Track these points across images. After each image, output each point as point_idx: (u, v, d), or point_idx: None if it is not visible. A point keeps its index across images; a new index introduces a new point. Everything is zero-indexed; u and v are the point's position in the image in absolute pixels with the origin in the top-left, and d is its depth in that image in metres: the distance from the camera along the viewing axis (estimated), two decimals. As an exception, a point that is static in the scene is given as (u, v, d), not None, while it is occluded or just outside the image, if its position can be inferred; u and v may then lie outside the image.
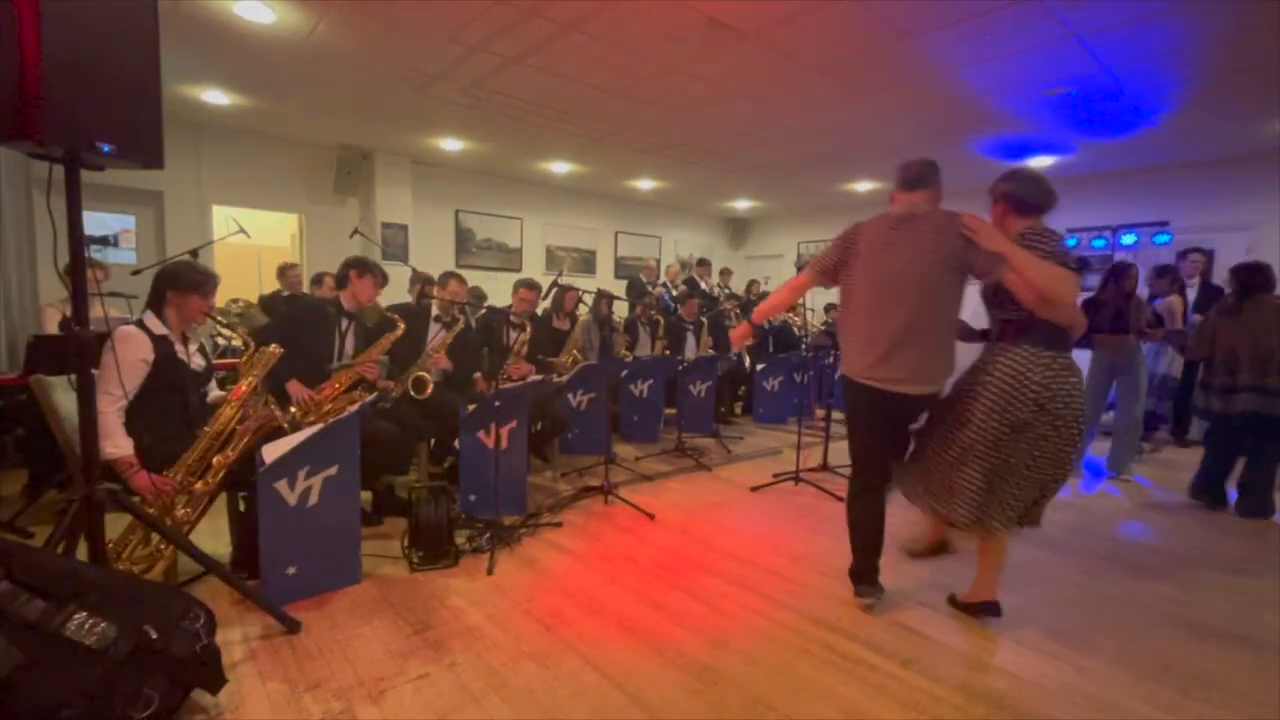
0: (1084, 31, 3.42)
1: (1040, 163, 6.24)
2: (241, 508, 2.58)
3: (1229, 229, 5.96)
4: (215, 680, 1.72)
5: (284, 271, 5.64)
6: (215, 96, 4.95)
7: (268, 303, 5.38)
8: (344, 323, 3.23)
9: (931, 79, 4.17)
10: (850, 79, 4.21)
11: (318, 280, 5.32)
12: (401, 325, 3.29)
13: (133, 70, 1.68)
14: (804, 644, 2.17)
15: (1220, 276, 4.81)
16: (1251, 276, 3.67)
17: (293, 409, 2.85)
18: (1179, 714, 1.84)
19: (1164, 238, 6.15)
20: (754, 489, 3.97)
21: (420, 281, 4.92)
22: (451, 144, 6.26)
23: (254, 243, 5.42)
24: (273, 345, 2.63)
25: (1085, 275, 5.12)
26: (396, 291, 5.59)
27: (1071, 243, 6.71)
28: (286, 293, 5.53)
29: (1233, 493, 3.83)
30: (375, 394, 2.99)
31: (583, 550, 2.97)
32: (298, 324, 3.18)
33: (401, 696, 1.83)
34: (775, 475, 4.15)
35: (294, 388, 2.95)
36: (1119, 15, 3.23)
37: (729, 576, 2.72)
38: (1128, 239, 6.35)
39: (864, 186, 7.84)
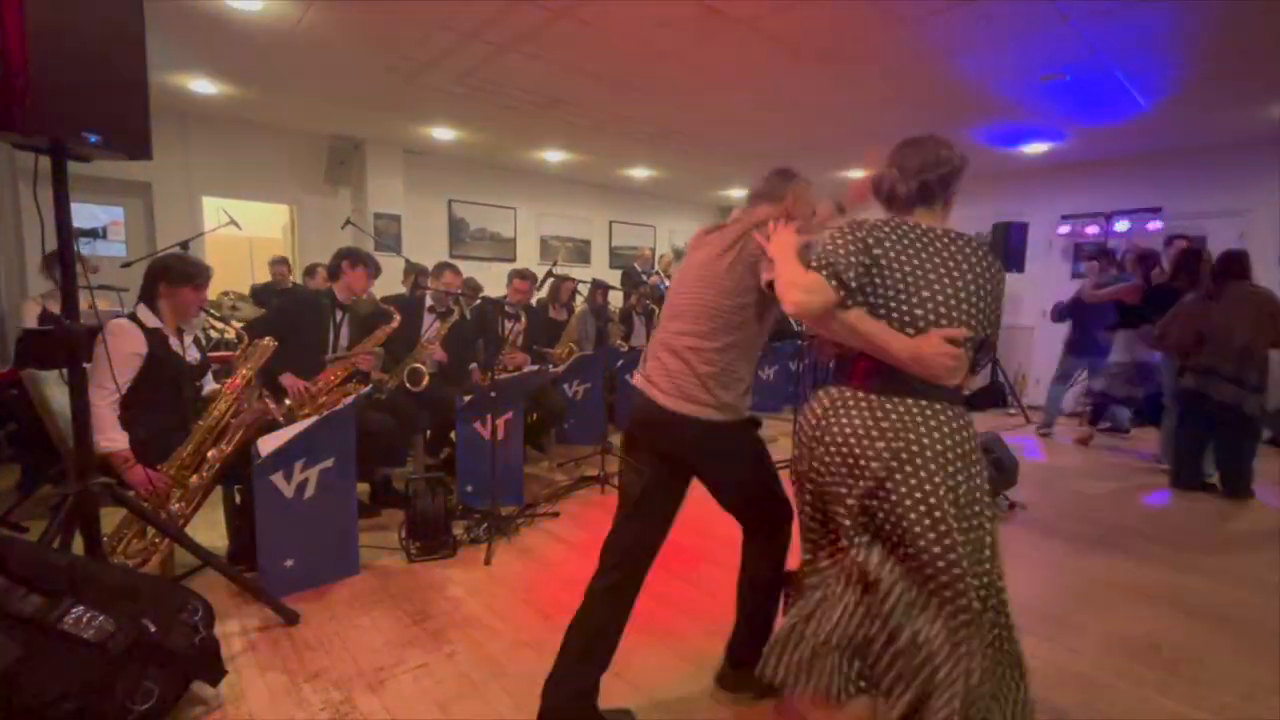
0: (1078, 16, 3.41)
1: (1035, 149, 6.23)
2: (238, 501, 2.58)
3: (1221, 215, 5.97)
4: (214, 672, 1.73)
5: (272, 265, 5.63)
6: (203, 86, 4.87)
7: (259, 293, 5.35)
8: (338, 314, 3.22)
9: (927, 66, 4.14)
10: (845, 67, 4.19)
11: (310, 272, 5.29)
12: (397, 317, 3.28)
13: (119, 59, 1.66)
14: (800, 630, 2.19)
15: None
16: (1227, 264, 3.76)
17: (287, 401, 2.85)
18: (1168, 693, 1.87)
19: (1157, 224, 6.17)
20: (750, 477, 3.98)
21: (414, 272, 4.89)
22: (443, 133, 6.20)
23: (245, 234, 5.39)
24: (266, 338, 2.61)
25: (1104, 269, 5.12)
26: (390, 282, 5.57)
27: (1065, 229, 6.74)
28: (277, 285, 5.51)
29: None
30: (370, 386, 2.98)
31: (580, 539, 2.98)
32: (291, 316, 3.17)
33: (401, 686, 1.84)
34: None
35: (288, 380, 2.94)
36: (1113, 0, 3.23)
37: (725, 564, 2.73)
38: (1121, 225, 6.37)
39: (859, 175, 7.82)
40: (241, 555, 2.47)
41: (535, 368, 3.68)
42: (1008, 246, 5.97)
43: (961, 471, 1.33)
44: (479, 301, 4.15)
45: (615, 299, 6.19)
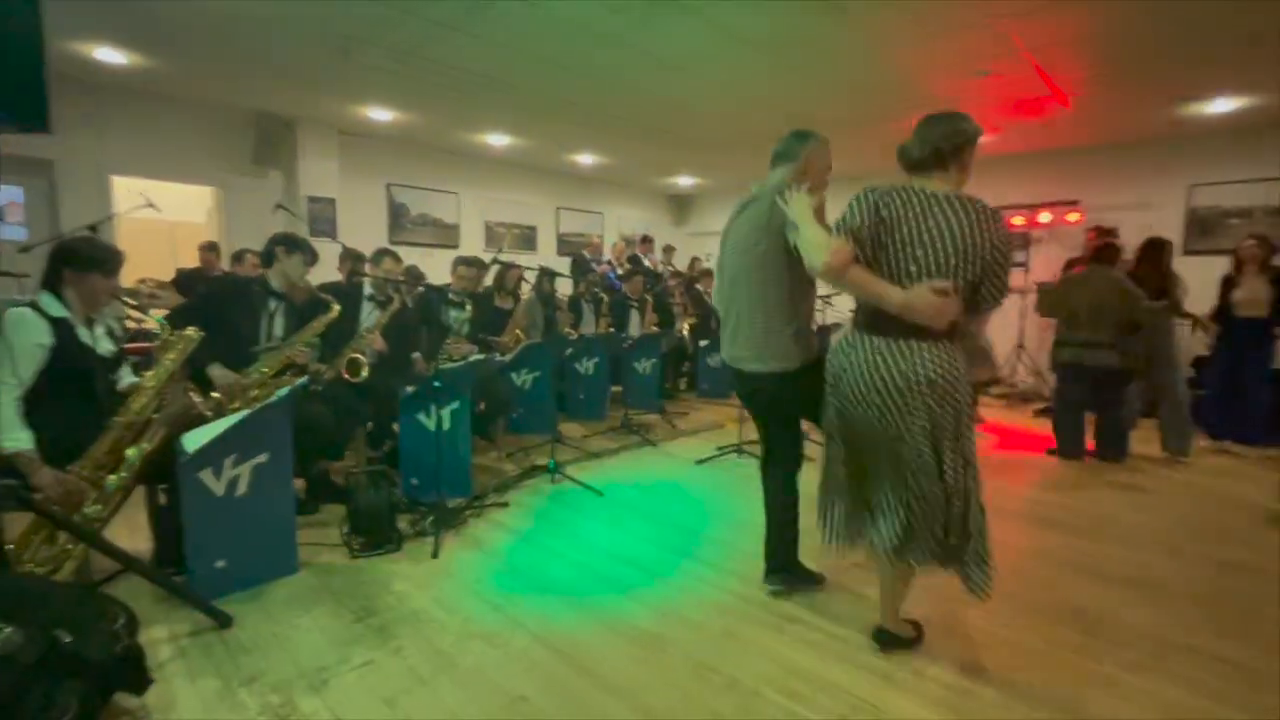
0: (1004, 15, 3.58)
1: (966, 143, 6.50)
2: (162, 500, 2.43)
3: (1132, 208, 6.40)
4: (139, 681, 1.63)
5: (201, 252, 5.31)
6: (108, 55, 4.49)
7: (183, 280, 5.02)
8: (272, 303, 3.05)
9: (863, 58, 4.26)
10: (786, 55, 4.25)
11: (238, 258, 4.99)
12: (336, 308, 3.15)
13: (10, 20, 1.51)
14: (747, 609, 2.24)
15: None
16: (1100, 251, 4.22)
17: (214, 395, 2.69)
18: (1089, 654, 2.01)
19: (1075, 216, 6.57)
20: (698, 462, 4.05)
21: (351, 259, 4.70)
22: (381, 113, 5.95)
23: (165, 218, 5.04)
24: (191, 328, 2.46)
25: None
26: (325, 270, 5.33)
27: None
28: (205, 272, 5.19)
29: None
30: (306, 377, 2.85)
31: (530, 529, 2.96)
32: (219, 304, 2.98)
33: (345, 685, 1.79)
34: (719, 448, 4.24)
35: (217, 373, 2.78)
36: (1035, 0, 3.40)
37: (675, 548, 2.78)
38: (1044, 217, 6.75)
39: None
40: (168, 558, 2.33)
41: (482, 357, 3.61)
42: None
43: (949, 396, 1.67)
44: (422, 289, 4.03)
45: (563, 286, 6.13)
